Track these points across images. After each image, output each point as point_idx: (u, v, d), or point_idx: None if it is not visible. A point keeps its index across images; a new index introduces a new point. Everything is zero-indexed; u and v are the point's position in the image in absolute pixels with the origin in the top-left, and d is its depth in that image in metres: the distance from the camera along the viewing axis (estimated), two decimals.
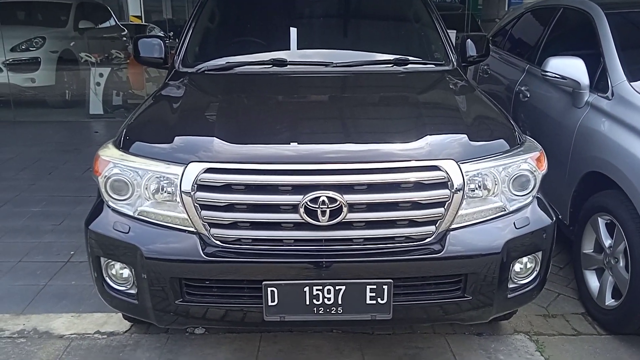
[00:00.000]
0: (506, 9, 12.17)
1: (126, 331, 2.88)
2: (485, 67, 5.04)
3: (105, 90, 8.31)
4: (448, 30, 3.54)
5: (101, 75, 8.25)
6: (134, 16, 22.04)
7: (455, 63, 3.21)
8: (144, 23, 18.18)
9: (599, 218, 2.97)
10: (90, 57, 8.45)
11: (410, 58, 3.18)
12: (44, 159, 5.91)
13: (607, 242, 2.91)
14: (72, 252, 3.72)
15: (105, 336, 2.84)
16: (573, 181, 3.23)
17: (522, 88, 4.09)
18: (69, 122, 7.94)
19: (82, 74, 8.73)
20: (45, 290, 3.26)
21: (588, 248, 3.12)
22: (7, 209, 4.48)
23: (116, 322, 2.94)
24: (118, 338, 2.83)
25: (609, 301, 2.89)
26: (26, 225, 4.18)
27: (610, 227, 2.90)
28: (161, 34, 14.77)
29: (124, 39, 11.34)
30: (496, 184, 2.19)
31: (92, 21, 10.02)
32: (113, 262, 2.25)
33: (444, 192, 2.10)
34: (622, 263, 2.78)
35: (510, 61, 4.65)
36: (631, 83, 2.99)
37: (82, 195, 4.68)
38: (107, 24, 10.88)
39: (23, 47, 8.37)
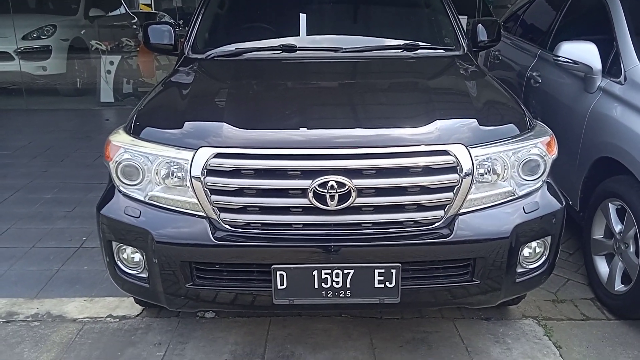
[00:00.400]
0: None
1: (137, 315, 2.92)
2: (496, 52, 5.00)
3: (116, 78, 8.35)
4: (459, 16, 3.51)
5: (112, 63, 8.29)
6: (144, 4, 22.04)
7: (465, 48, 3.19)
8: (153, 11, 18.19)
9: (609, 204, 2.95)
10: (101, 45, 8.48)
11: (420, 43, 3.17)
12: (56, 146, 5.96)
13: (618, 227, 2.90)
14: (84, 238, 3.77)
15: (117, 320, 2.89)
16: (584, 167, 3.21)
17: (534, 73, 4.06)
18: (80, 110, 8.01)
19: (93, 62, 8.77)
20: (58, 275, 3.31)
21: (598, 234, 3.10)
22: (21, 196, 4.54)
23: (128, 306, 2.98)
24: (130, 322, 2.87)
25: (619, 286, 2.89)
26: (39, 211, 4.23)
27: (620, 213, 2.89)
28: (171, 21, 14.79)
29: (134, 27, 11.35)
30: (506, 169, 2.19)
31: (103, 9, 10.04)
32: (124, 247, 2.28)
33: (453, 177, 2.10)
34: (632, 248, 2.77)
35: (521, 47, 4.61)
36: None
37: (94, 182, 4.73)
38: (117, 12, 10.90)
39: (34, 36, 8.42)
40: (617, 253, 2.91)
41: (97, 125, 7.19)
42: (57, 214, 4.18)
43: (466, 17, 6.69)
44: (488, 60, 5.25)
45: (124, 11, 11.30)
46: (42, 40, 8.44)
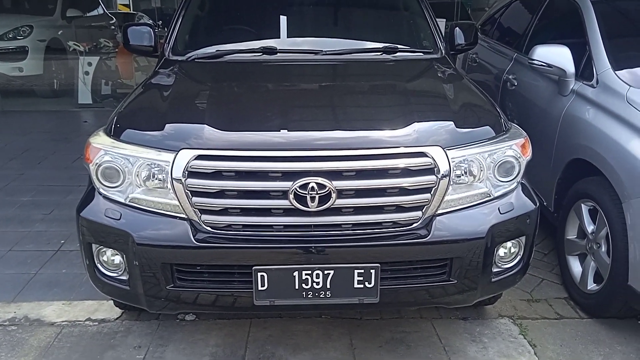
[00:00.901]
0: None
1: (117, 318, 2.91)
2: (474, 55, 5.08)
3: (94, 79, 8.26)
4: (438, 19, 3.57)
5: (90, 64, 8.20)
6: (122, 4, 21.83)
7: (443, 51, 3.25)
8: (132, 11, 18.03)
9: (582, 204, 3.03)
10: (79, 46, 8.38)
11: (399, 46, 3.21)
12: (33, 148, 5.88)
13: (590, 227, 2.97)
14: (62, 241, 3.73)
15: (96, 323, 2.87)
16: (558, 168, 3.29)
17: (510, 76, 4.14)
18: (57, 111, 7.88)
19: (71, 63, 8.66)
20: (36, 279, 3.28)
21: (572, 234, 3.18)
22: None
23: (107, 309, 2.96)
24: (109, 325, 2.86)
25: (591, 286, 2.96)
26: (16, 214, 4.18)
27: (593, 213, 2.96)
28: (150, 22, 14.68)
29: (113, 27, 11.24)
30: (482, 170, 2.24)
31: (80, 9, 9.92)
32: (105, 249, 2.28)
33: (430, 178, 2.14)
34: (604, 248, 2.84)
35: (498, 50, 4.69)
36: (616, 72, 3.04)
37: (72, 184, 4.68)
38: (95, 12, 10.78)
39: (10, 36, 8.28)
40: (590, 253, 2.99)
41: (75, 127, 7.10)
42: (34, 216, 4.13)
43: (444, 20, 6.79)
44: (466, 63, 5.33)
45: (102, 12, 11.18)
46: (18, 40, 8.31)
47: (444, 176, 2.14)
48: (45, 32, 8.67)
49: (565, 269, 3.23)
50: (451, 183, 2.18)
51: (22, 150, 5.81)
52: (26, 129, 6.77)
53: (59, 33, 8.96)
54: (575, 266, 3.14)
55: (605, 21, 3.36)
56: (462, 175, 2.21)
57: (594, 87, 3.12)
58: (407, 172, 2.13)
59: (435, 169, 2.14)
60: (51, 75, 8.73)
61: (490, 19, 5.38)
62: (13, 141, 6.15)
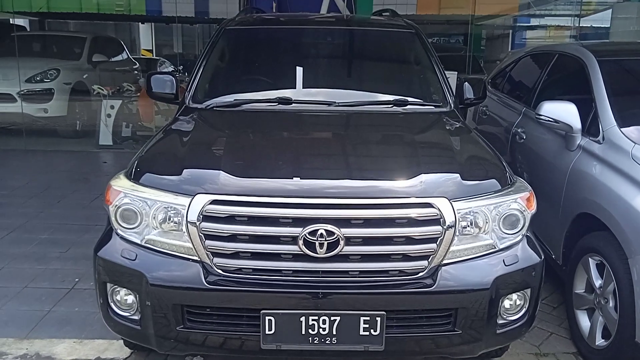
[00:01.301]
0: (509, 51, 12.49)
1: (126, 358, 2.95)
2: (484, 108, 5.20)
3: (116, 121, 8.53)
4: (449, 72, 3.69)
5: (112, 107, 8.49)
6: (145, 50, 22.61)
7: (452, 105, 3.36)
8: (154, 57, 18.66)
9: (589, 259, 3.05)
10: (103, 90, 8.70)
11: (409, 99, 3.33)
12: (53, 187, 6.05)
13: (598, 282, 2.98)
14: (76, 279, 3.82)
15: None
16: (565, 222, 3.33)
17: (519, 130, 4.23)
18: (78, 152, 8.15)
19: (94, 105, 8.98)
20: (49, 316, 3.34)
21: (580, 288, 3.19)
22: (16, 235, 4.60)
23: (117, 348, 3.01)
24: None
25: (599, 341, 2.95)
26: (34, 251, 4.28)
27: (600, 268, 2.98)
28: (171, 68, 15.18)
29: (135, 72, 11.67)
30: (487, 222, 2.30)
31: (105, 54, 10.35)
32: (119, 288, 2.36)
33: (436, 229, 2.20)
34: (611, 303, 2.85)
35: (508, 103, 4.80)
36: (621, 129, 3.12)
37: (90, 223, 4.80)
38: (119, 57, 11.23)
39: (38, 79, 8.66)
40: (598, 308, 2.99)
41: (95, 167, 7.30)
42: (51, 254, 4.23)
43: (456, 72, 6.97)
44: (477, 115, 5.45)
45: (126, 57, 11.65)
46: (45, 83, 8.68)
47: (449, 227, 2.21)
48: (71, 75, 9.05)
49: (573, 323, 3.22)
50: (457, 234, 2.24)
51: (43, 188, 5.98)
52: (47, 168, 6.99)
53: (84, 77, 9.34)
54: (584, 321, 3.14)
55: (610, 79, 3.46)
56: (468, 226, 2.27)
57: (600, 143, 3.19)
58: (413, 222, 2.20)
59: (441, 219, 2.21)
60: (74, 117, 9.06)
61: (500, 73, 5.52)
62: (34, 179, 6.34)
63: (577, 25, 10.70)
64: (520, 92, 4.78)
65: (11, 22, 11.33)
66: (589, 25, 11.83)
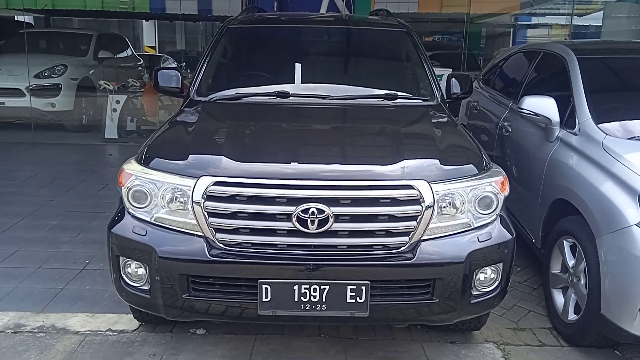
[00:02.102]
0: (500, 49, 12.69)
1: (135, 330, 3.20)
2: (475, 103, 5.44)
3: (121, 116, 8.80)
4: (444, 69, 3.92)
5: (118, 102, 8.75)
6: (148, 46, 22.82)
7: (439, 99, 3.59)
8: (158, 53, 18.90)
9: (564, 241, 3.29)
10: (109, 85, 8.96)
11: (399, 93, 3.57)
12: (61, 178, 6.31)
13: (571, 262, 3.23)
14: (87, 261, 4.07)
15: (116, 333, 3.16)
16: (544, 208, 3.58)
17: (505, 123, 4.47)
18: (84, 145, 8.41)
19: (99, 100, 9.24)
20: (62, 293, 3.60)
21: (556, 269, 3.44)
22: (28, 222, 4.85)
23: (126, 322, 3.26)
24: (127, 335, 3.15)
25: (571, 316, 3.20)
26: (45, 236, 4.54)
27: (573, 249, 3.23)
28: (175, 64, 15.42)
29: (140, 68, 11.93)
30: (463, 203, 2.54)
31: (111, 51, 10.60)
32: (130, 262, 2.60)
33: (416, 208, 2.45)
34: (582, 281, 3.09)
35: (496, 99, 5.04)
36: (595, 121, 3.35)
37: (97, 211, 5.06)
38: (124, 54, 11.49)
39: (46, 74, 8.92)
40: (571, 286, 3.24)
41: (101, 159, 7.57)
42: (62, 239, 4.48)
43: (451, 69, 7.20)
44: (468, 110, 5.69)
45: (130, 53, 11.90)
46: (53, 78, 8.94)
47: (428, 207, 2.45)
48: (78, 71, 9.32)
49: (549, 301, 3.47)
50: (435, 213, 2.48)
51: (52, 179, 6.23)
52: (55, 160, 7.24)
53: (91, 72, 9.60)
54: (559, 298, 3.38)
55: (588, 75, 3.70)
56: (446, 206, 2.51)
57: (576, 135, 3.43)
58: (396, 202, 2.45)
59: (421, 200, 2.45)
60: (80, 111, 9.33)
61: (491, 70, 5.76)
62: (43, 171, 6.59)
63: (570, 24, 10.94)
64: (508, 88, 5.02)
65: (20, 19, 11.60)
66: (582, 25, 12.06)
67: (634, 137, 3.20)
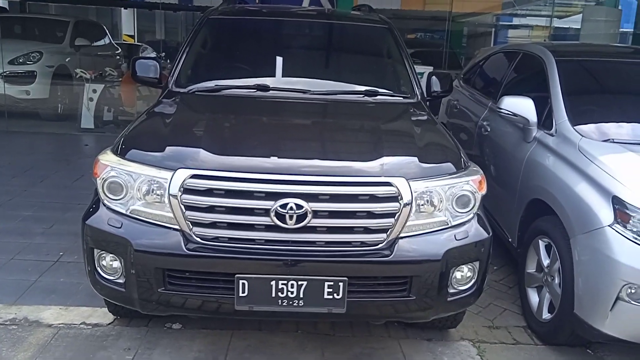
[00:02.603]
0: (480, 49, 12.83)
1: (109, 323, 3.16)
2: (455, 102, 5.48)
3: (97, 105, 8.64)
4: (426, 66, 3.93)
5: (94, 91, 8.59)
6: (127, 35, 22.47)
7: (419, 97, 3.60)
8: (137, 43, 18.60)
9: (539, 240, 3.34)
10: (85, 74, 8.79)
11: (380, 90, 3.57)
12: (36, 167, 6.18)
13: (546, 262, 3.27)
14: (61, 253, 4.00)
15: (90, 327, 3.11)
16: (520, 208, 3.62)
17: (484, 123, 4.51)
18: (60, 134, 8.25)
19: (76, 89, 9.06)
20: (35, 285, 3.53)
21: (531, 268, 3.48)
22: (1, 212, 4.74)
23: (100, 315, 3.21)
24: (102, 329, 3.10)
25: (546, 315, 3.24)
26: (18, 226, 4.45)
27: (548, 249, 3.27)
28: (153, 54, 15.21)
29: (118, 57, 11.73)
30: (441, 201, 2.55)
31: (88, 39, 10.40)
32: (105, 254, 2.56)
33: (394, 205, 2.45)
34: (557, 280, 3.14)
35: (476, 98, 5.08)
36: (571, 123, 3.40)
37: (72, 202, 4.97)
38: (102, 42, 11.28)
39: (20, 61, 8.70)
40: (545, 285, 3.28)
41: (77, 149, 7.44)
42: (35, 230, 4.40)
43: (432, 67, 7.25)
44: (448, 109, 5.73)
45: (108, 42, 11.69)
46: (28, 65, 8.73)
47: (406, 204, 2.46)
48: (53, 58, 9.11)
49: (525, 300, 3.52)
50: (413, 211, 2.49)
51: (26, 169, 6.10)
52: (29, 149, 7.10)
53: (67, 60, 9.41)
54: (534, 297, 3.43)
55: (566, 78, 3.75)
56: (424, 204, 2.52)
57: (553, 136, 3.48)
58: (374, 199, 2.45)
59: (399, 197, 2.45)
60: (56, 100, 9.13)
61: (471, 69, 5.80)
62: (17, 160, 6.45)
63: (550, 25, 11.09)
64: (488, 88, 5.06)
65: None
66: (561, 27, 12.24)
67: (609, 139, 3.25)
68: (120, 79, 9.39)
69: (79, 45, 9.88)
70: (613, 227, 2.76)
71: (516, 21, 15.70)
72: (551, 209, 3.21)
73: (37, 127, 8.55)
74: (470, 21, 15.62)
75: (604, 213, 2.81)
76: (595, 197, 2.89)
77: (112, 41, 12.14)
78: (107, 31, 11.85)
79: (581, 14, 10.74)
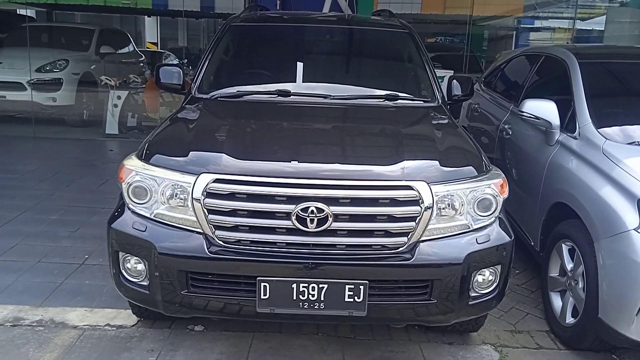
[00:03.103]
0: (502, 52, 12.74)
1: (133, 325, 3.21)
2: (476, 105, 5.45)
3: (122, 112, 8.80)
4: (446, 70, 3.92)
5: (119, 97, 8.75)
6: (150, 43, 22.82)
7: (440, 100, 3.60)
8: (160, 50, 18.89)
9: (562, 244, 3.30)
10: (110, 81, 8.96)
11: (400, 94, 3.57)
12: (62, 172, 6.32)
13: (569, 265, 3.24)
14: (86, 256, 4.08)
15: (114, 328, 3.17)
16: (543, 211, 3.58)
17: (506, 126, 4.48)
18: (85, 140, 8.42)
19: (101, 96, 9.24)
20: (61, 288, 3.61)
21: (554, 272, 3.44)
22: (28, 216, 4.86)
23: (125, 317, 3.27)
24: (126, 330, 3.16)
25: (569, 319, 3.21)
26: (45, 230, 4.55)
27: (572, 253, 3.24)
28: (176, 61, 15.43)
29: (141, 64, 11.93)
30: (462, 205, 2.55)
31: (113, 46, 10.61)
32: (129, 257, 2.61)
33: (415, 209, 2.46)
34: (580, 284, 3.10)
35: (497, 101, 5.05)
36: (595, 126, 3.36)
37: (97, 206, 5.07)
38: (126, 50, 11.49)
39: (47, 68, 8.92)
40: (569, 289, 3.24)
41: (101, 154, 7.57)
42: (61, 233, 4.49)
43: (452, 71, 7.21)
44: (469, 112, 5.70)
45: (132, 49, 11.91)
46: (55, 73, 8.95)
47: (427, 208, 2.46)
48: (79, 66, 9.32)
49: (547, 304, 3.48)
50: (434, 214, 2.49)
51: (52, 173, 6.24)
52: (56, 154, 7.26)
53: (92, 67, 9.61)
54: (557, 301, 3.39)
55: (589, 80, 3.71)
56: (445, 208, 2.52)
57: (576, 139, 3.44)
58: (395, 202, 2.46)
59: (420, 201, 2.46)
60: (81, 106, 9.34)
61: (492, 72, 5.77)
62: (44, 165, 6.61)
63: (573, 28, 10.96)
64: (510, 91, 5.02)
65: (22, 13, 11.60)
66: (584, 29, 12.08)
67: (634, 142, 3.21)
68: (144, 86, 9.54)
69: (104, 52, 10.09)
70: (639, 230, 2.72)
71: (538, 24, 15.54)
72: (574, 213, 3.17)
73: (63, 133, 8.74)
74: (491, 24, 15.52)
75: (629, 216, 2.77)
76: (620, 201, 2.86)
77: (136, 48, 12.36)
78: (131, 39, 12.07)
79: (605, 16, 10.59)
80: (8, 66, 8.79)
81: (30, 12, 14.22)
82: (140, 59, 12.12)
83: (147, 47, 20.38)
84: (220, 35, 3.99)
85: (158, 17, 21.38)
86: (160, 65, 3.84)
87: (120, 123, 8.77)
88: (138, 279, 2.62)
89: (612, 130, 3.34)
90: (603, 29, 10.04)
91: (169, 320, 3.21)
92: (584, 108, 3.53)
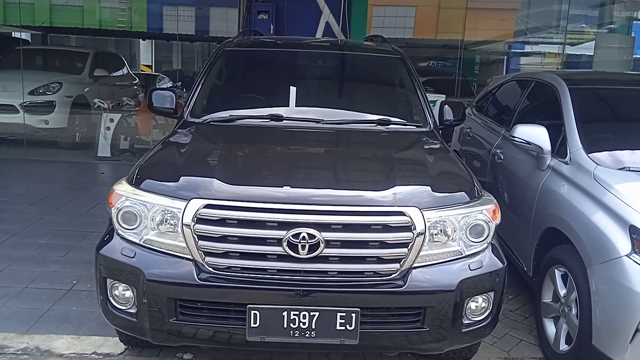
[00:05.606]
0: (492, 77, 12.89)
1: (120, 353, 3.14)
2: (468, 130, 5.48)
3: (114, 134, 8.77)
4: (438, 95, 3.95)
5: (112, 120, 8.73)
6: (145, 65, 22.93)
7: (432, 125, 3.61)
8: (154, 73, 18.96)
9: (555, 270, 3.28)
10: (103, 103, 8.96)
11: (392, 119, 3.58)
12: (53, 195, 6.26)
13: (562, 291, 3.22)
14: (74, 281, 4.01)
15: (101, 357, 3.10)
16: (535, 236, 3.57)
17: (497, 151, 4.50)
18: (77, 162, 8.37)
19: (93, 118, 9.23)
20: (48, 314, 3.54)
21: (547, 298, 3.42)
22: (17, 240, 4.79)
23: (112, 345, 3.20)
24: (113, 359, 3.09)
25: (563, 346, 3.17)
26: (33, 255, 4.48)
27: (565, 278, 3.21)
28: (170, 84, 15.48)
29: (135, 87, 11.96)
30: (455, 231, 2.53)
31: (107, 69, 10.63)
32: (118, 284, 2.57)
33: (407, 235, 2.44)
34: (574, 311, 3.08)
35: (489, 126, 5.08)
36: (586, 151, 3.37)
37: (87, 230, 5.01)
38: (120, 72, 11.52)
39: (40, 91, 8.91)
40: (562, 315, 3.22)
41: (93, 177, 7.53)
42: (50, 258, 4.42)
43: (444, 96, 7.27)
44: (461, 137, 5.73)
45: (126, 72, 11.94)
46: (48, 95, 8.93)
47: (419, 234, 2.44)
48: (72, 88, 9.32)
49: (541, 331, 3.44)
50: (426, 240, 2.47)
51: (42, 197, 6.18)
52: (47, 177, 7.19)
53: (85, 90, 9.61)
54: (550, 328, 3.36)
55: (579, 106, 3.74)
56: (437, 234, 2.50)
57: (567, 164, 3.45)
58: (387, 229, 2.44)
59: (412, 226, 2.44)
60: (74, 129, 9.30)
61: (484, 97, 5.81)
62: (34, 188, 6.54)
63: (563, 53, 11.13)
64: (501, 116, 5.06)
65: (16, 35, 11.64)
66: (574, 54, 12.26)
67: (625, 167, 3.22)
68: (137, 109, 9.54)
69: (98, 75, 10.10)
70: (631, 257, 2.71)
71: (528, 48, 15.76)
72: (567, 238, 3.16)
73: (55, 155, 8.69)
74: (482, 49, 15.71)
75: (621, 243, 2.77)
76: (611, 226, 2.85)
77: (130, 71, 12.39)
78: (125, 62, 12.11)
79: (594, 41, 10.76)
80: (1, 89, 8.77)
81: (25, 35, 14.29)
82: (134, 82, 12.15)
83: (142, 70, 20.46)
84: (214, 59, 4.01)
85: (153, 40, 21.51)
86: (153, 89, 3.84)
87: (113, 146, 8.74)
88: (126, 306, 2.57)
89: (603, 156, 3.35)
90: (592, 54, 10.21)
91: (157, 348, 3.14)
92: (575, 133, 3.55)
